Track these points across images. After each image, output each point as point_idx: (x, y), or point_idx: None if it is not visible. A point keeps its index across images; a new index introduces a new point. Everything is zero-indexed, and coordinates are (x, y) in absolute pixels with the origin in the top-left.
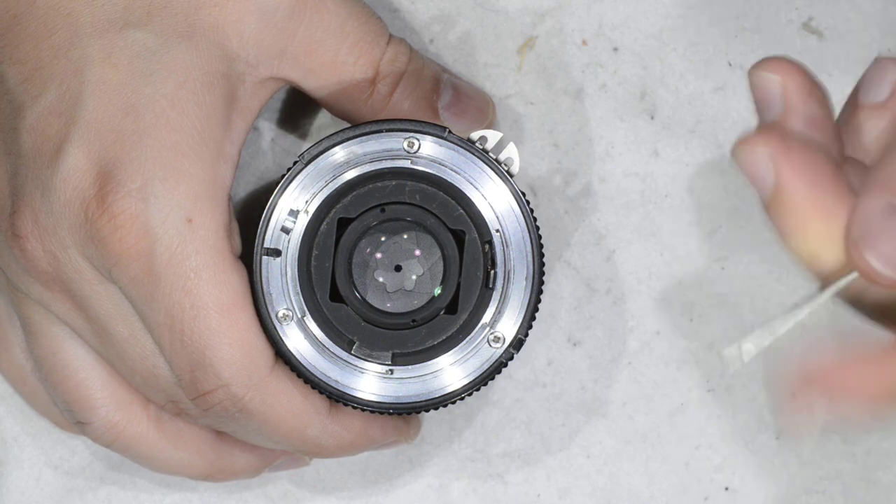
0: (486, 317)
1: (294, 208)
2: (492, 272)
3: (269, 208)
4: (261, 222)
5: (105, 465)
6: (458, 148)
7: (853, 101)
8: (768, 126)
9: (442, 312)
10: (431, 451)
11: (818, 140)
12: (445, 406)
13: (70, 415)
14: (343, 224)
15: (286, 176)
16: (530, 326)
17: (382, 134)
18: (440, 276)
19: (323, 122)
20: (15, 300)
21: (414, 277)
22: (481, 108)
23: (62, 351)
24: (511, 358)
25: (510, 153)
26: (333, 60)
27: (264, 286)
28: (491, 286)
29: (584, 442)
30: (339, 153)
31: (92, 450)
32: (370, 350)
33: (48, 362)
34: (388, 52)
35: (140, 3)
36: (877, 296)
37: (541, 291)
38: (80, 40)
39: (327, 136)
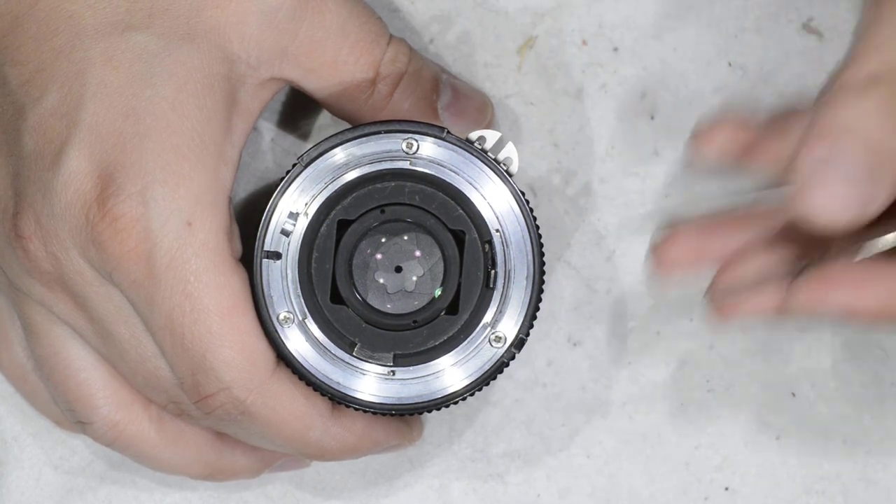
0: (487, 317)
1: (294, 211)
2: (492, 272)
3: (268, 211)
4: (260, 225)
5: (105, 464)
6: (457, 148)
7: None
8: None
9: (443, 313)
10: (431, 451)
11: None
12: (447, 406)
13: (71, 414)
14: (343, 226)
15: (285, 178)
16: (531, 326)
17: (381, 135)
18: (440, 277)
19: (323, 123)
20: (16, 300)
21: (414, 278)
22: (480, 108)
23: (64, 351)
24: (513, 357)
25: (509, 153)
26: (334, 60)
27: (265, 289)
28: (491, 286)
29: (584, 442)
30: (338, 155)
31: (92, 449)
32: (371, 351)
33: (50, 362)
34: (389, 52)
35: (141, 6)
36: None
37: (541, 290)
38: (82, 42)
39: (326, 139)
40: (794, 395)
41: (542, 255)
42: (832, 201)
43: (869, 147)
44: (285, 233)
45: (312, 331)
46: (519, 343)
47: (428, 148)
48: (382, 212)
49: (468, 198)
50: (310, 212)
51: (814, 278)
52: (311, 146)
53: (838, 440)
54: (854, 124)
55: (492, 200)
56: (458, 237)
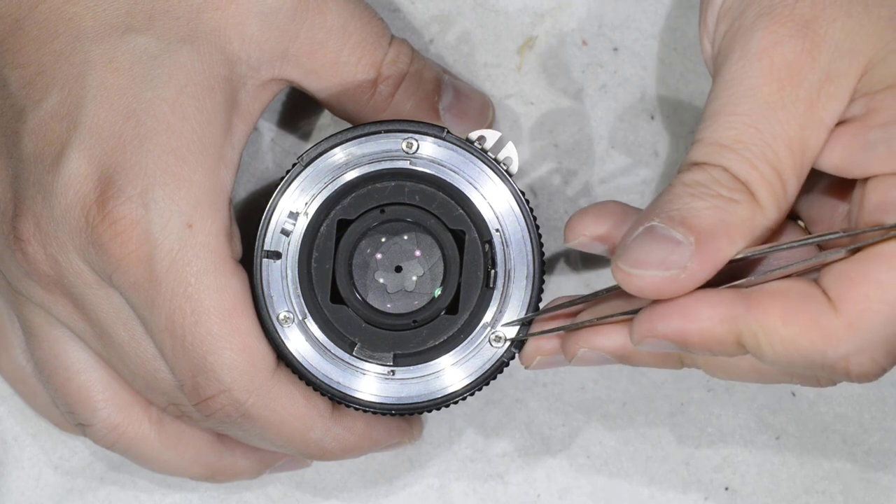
0: (487, 317)
1: (294, 210)
2: (492, 272)
3: (268, 211)
4: (260, 225)
5: (105, 465)
6: (457, 148)
7: None
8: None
9: (443, 313)
10: (431, 451)
11: None
12: (447, 406)
13: (71, 417)
14: (343, 225)
15: (285, 178)
16: (531, 325)
17: (381, 135)
18: (440, 277)
19: (323, 123)
20: (15, 303)
21: (414, 278)
22: (481, 108)
23: (63, 353)
24: (513, 357)
25: (509, 152)
26: (335, 61)
27: (265, 289)
28: (491, 286)
29: (584, 442)
30: (338, 155)
31: (92, 450)
32: (371, 351)
33: (49, 365)
34: (390, 53)
35: (142, 8)
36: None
37: (542, 290)
38: (82, 45)
39: (326, 138)
40: (794, 394)
41: (542, 255)
42: (636, 269)
43: (675, 222)
44: (285, 232)
45: (312, 331)
46: (519, 343)
47: (428, 148)
48: (382, 211)
49: (468, 198)
50: (310, 211)
51: (649, 309)
52: (311, 146)
53: (838, 440)
54: (667, 204)
55: (492, 200)
56: (458, 237)
